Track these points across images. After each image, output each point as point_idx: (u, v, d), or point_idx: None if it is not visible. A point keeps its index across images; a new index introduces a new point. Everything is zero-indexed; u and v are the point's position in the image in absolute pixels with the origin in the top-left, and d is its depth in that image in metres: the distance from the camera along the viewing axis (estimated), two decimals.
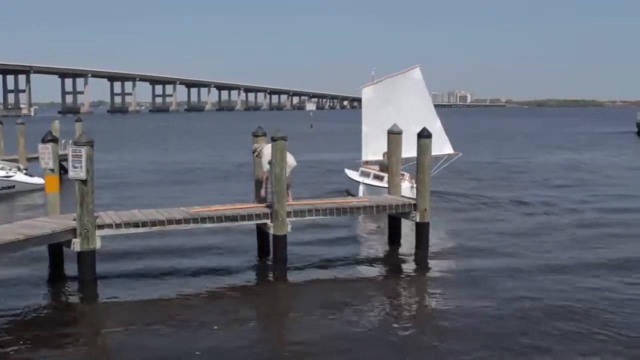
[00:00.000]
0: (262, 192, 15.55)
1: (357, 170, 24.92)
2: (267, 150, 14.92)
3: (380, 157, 23.36)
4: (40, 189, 23.25)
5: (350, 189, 24.33)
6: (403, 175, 19.45)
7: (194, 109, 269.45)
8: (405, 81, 26.00)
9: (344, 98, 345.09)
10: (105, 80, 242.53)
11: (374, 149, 24.51)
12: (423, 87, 26.13)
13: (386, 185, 20.34)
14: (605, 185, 28.75)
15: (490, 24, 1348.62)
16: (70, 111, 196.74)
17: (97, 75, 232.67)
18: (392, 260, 15.65)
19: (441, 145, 24.55)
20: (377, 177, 22.59)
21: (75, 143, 12.85)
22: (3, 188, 25.59)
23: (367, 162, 25.05)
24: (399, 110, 24.04)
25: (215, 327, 10.58)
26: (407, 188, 19.42)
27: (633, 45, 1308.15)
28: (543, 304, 11.70)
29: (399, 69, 26.82)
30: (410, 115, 23.02)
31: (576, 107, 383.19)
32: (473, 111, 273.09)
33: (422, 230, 15.61)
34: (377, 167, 23.59)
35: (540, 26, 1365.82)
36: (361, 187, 22.65)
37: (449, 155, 25.20)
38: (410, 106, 24.70)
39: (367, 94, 26.25)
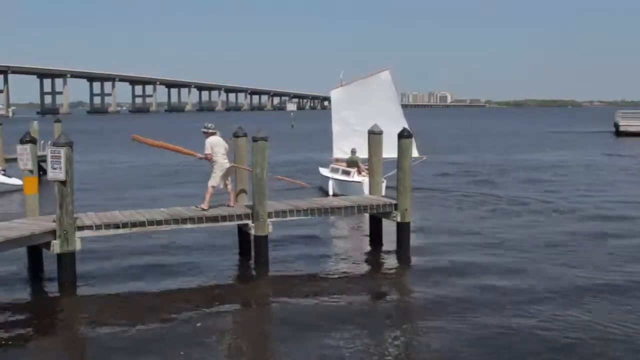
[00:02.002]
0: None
1: (329, 167, 26.43)
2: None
3: (349, 155, 25.03)
4: (18, 190, 23.01)
5: (322, 185, 25.85)
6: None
7: (175, 109, 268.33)
8: (374, 83, 26.93)
9: (325, 98, 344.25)
10: (84, 80, 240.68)
11: (343, 147, 26.26)
12: (392, 89, 26.90)
13: (353, 179, 23.23)
14: (591, 184, 28.81)
15: (470, 24, 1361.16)
16: (49, 112, 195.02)
17: (76, 75, 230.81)
18: (374, 261, 15.65)
19: None
20: (345, 173, 24.28)
21: (54, 144, 12.75)
22: None
23: (337, 160, 26.48)
24: (367, 111, 24.85)
25: (199, 325, 10.60)
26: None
27: (610, 47, 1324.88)
28: (529, 303, 11.79)
29: (378, 69, 27.64)
30: (379, 116, 23.20)
31: (555, 107, 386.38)
32: (455, 112, 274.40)
33: (403, 230, 15.64)
34: (345, 164, 25.03)
35: (519, 28, 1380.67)
36: (330, 182, 24.40)
37: (414, 158, 25.34)
38: (378, 107, 25.45)
39: (335, 95, 27.68)
